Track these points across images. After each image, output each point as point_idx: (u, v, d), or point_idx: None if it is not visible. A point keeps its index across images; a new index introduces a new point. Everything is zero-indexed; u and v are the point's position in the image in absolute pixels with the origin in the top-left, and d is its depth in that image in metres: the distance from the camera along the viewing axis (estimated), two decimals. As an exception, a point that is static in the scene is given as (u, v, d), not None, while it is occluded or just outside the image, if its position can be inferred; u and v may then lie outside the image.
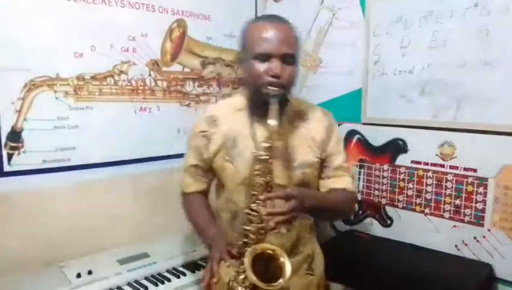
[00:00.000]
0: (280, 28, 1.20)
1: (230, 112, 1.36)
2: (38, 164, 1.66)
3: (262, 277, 1.07)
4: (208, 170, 1.41)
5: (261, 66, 1.19)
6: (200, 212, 1.41)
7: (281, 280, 1.06)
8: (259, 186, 1.15)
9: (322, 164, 1.36)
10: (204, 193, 1.47)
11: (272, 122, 1.14)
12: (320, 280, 1.47)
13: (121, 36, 1.83)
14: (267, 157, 1.15)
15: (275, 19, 1.23)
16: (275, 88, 1.17)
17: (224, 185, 1.36)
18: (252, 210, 1.14)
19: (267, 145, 1.15)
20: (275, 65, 1.17)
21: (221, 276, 1.18)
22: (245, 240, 1.15)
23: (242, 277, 1.10)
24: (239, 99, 1.38)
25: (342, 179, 1.35)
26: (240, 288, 1.11)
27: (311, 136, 1.32)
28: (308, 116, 1.35)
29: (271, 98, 1.17)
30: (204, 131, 1.37)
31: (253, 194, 1.15)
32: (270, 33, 1.18)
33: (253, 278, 1.04)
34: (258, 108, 1.26)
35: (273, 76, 1.17)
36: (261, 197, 1.12)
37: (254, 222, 1.14)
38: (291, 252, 1.35)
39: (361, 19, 2.00)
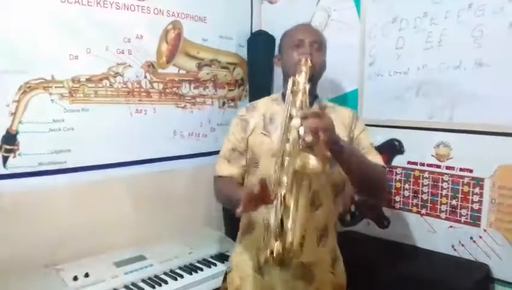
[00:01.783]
0: (309, 26, 1.56)
1: (267, 101, 1.54)
2: (33, 167, 1.65)
3: None
4: (245, 150, 1.48)
5: (295, 53, 1.41)
6: (231, 186, 1.42)
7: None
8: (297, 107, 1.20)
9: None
10: (238, 179, 1.49)
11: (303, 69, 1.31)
12: (340, 286, 1.49)
13: (117, 38, 1.83)
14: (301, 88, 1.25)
15: (306, 23, 1.57)
16: (307, 55, 1.37)
17: (259, 160, 1.43)
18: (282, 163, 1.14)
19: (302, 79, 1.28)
20: (306, 47, 1.40)
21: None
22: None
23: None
24: (275, 94, 1.58)
25: (373, 155, 1.42)
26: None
27: (341, 121, 1.42)
28: (336, 108, 1.51)
29: (303, 62, 1.33)
30: (244, 115, 1.52)
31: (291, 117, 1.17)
32: (303, 28, 1.50)
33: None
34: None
35: (303, 53, 1.38)
36: (299, 113, 1.15)
37: (291, 140, 1.13)
38: (321, 237, 1.41)
39: (357, 20, 2.00)
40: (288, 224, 1.04)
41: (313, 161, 1.04)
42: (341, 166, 1.27)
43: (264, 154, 1.41)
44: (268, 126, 1.44)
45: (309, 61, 1.35)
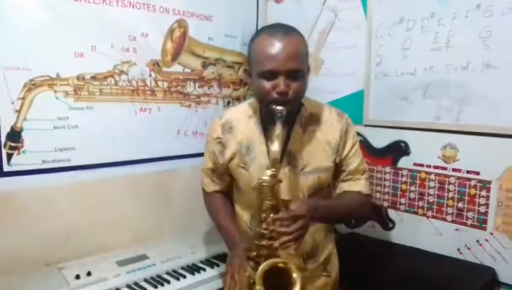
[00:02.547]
0: (285, 42, 1.16)
1: (243, 118, 1.37)
2: (38, 164, 1.65)
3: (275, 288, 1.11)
4: (224, 172, 1.45)
5: (267, 84, 1.18)
6: (220, 213, 1.46)
7: None
8: (267, 209, 1.17)
9: (337, 167, 1.37)
10: (224, 192, 1.51)
11: (274, 148, 1.15)
12: (335, 282, 1.50)
13: (122, 36, 1.83)
14: (271, 184, 1.16)
15: (281, 32, 1.18)
16: (281, 107, 1.17)
17: (241, 188, 1.40)
18: (264, 229, 1.17)
19: (270, 173, 1.15)
20: (280, 82, 1.16)
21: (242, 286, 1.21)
22: (259, 253, 1.18)
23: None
24: (251, 105, 1.39)
25: (357, 183, 1.37)
26: None
27: (326, 141, 1.33)
28: (323, 119, 1.36)
29: (277, 119, 1.17)
30: (220, 138, 1.40)
31: (263, 216, 1.17)
32: (274, 49, 1.15)
33: None
34: (269, 113, 1.24)
35: (279, 93, 1.16)
36: (269, 219, 1.15)
37: (265, 237, 1.16)
38: (308, 258, 1.39)
39: (364, 20, 1.99)
40: None
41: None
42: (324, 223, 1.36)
43: (244, 186, 1.38)
44: (245, 157, 1.34)
45: (284, 110, 1.18)
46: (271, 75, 1.17)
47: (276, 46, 1.15)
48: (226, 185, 1.50)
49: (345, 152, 1.36)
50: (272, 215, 1.15)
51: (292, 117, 1.29)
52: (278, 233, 1.12)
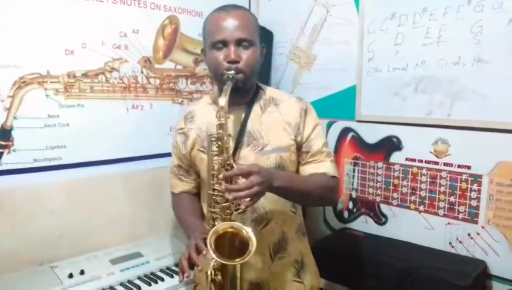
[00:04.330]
0: (233, 14, 1.23)
1: (204, 107, 1.41)
2: (29, 163, 1.63)
3: (232, 256, 1.06)
4: (190, 167, 1.43)
5: (218, 55, 1.23)
6: (185, 210, 1.43)
7: (247, 253, 1.05)
8: (218, 165, 1.15)
9: (300, 150, 1.34)
10: (193, 192, 1.48)
11: (222, 101, 1.14)
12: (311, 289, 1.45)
13: (112, 33, 1.81)
14: (220, 135, 1.15)
15: (229, 7, 1.26)
16: (232, 72, 1.20)
17: (203, 178, 1.37)
18: (214, 190, 1.15)
19: (217, 122, 1.15)
20: (230, 51, 1.21)
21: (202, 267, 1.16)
22: (213, 223, 1.15)
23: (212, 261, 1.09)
24: (212, 95, 1.43)
25: (321, 164, 1.32)
26: (209, 271, 1.10)
27: (286, 121, 1.33)
28: (282, 103, 1.36)
29: (227, 81, 1.19)
30: (182, 128, 1.42)
31: (213, 174, 1.15)
32: (223, 21, 1.22)
33: (215, 256, 1.04)
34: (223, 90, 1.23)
35: (229, 62, 1.21)
36: (220, 176, 1.11)
37: (219, 203, 1.14)
38: (276, 251, 1.35)
39: (356, 15, 1.99)
40: None
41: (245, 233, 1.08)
42: (285, 198, 1.27)
43: (205, 172, 1.31)
44: (205, 141, 1.32)
45: (232, 84, 1.19)
46: (222, 45, 1.22)
47: (225, 18, 1.23)
48: (195, 186, 1.47)
49: (307, 132, 1.33)
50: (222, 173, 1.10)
51: (246, 91, 1.30)
52: (226, 190, 1.06)
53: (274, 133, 1.31)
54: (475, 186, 1.68)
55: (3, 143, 1.57)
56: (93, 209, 1.80)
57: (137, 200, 1.96)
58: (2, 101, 1.55)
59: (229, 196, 1.05)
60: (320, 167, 1.32)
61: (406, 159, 1.88)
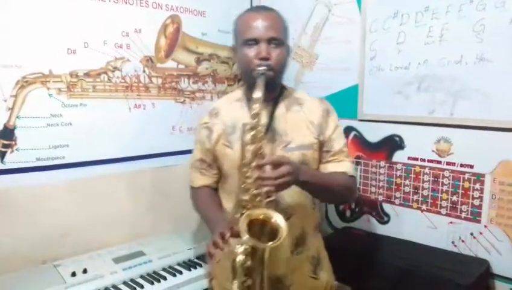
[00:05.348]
0: (265, 15, 1.30)
1: (230, 103, 1.45)
2: (31, 162, 1.64)
3: (263, 241, 1.07)
4: (213, 161, 1.46)
5: (250, 51, 1.28)
6: (207, 204, 1.45)
7: (278, 238, 1.06)
8: (250, 153, 1.17)
9: (321, 149, 1.39)
10: (213, 187, 1.50)
11: (257, 93, 1.19)
12: (326, 286, 1.47)
13: (115, 32, 1.81)
14: (255, 124, 1.18)
15: (261, 8, 1.36)
16: (263, 68, 1.25)
17: (226, 173, 1.41)
18: (246, 178, 1.17)
19: (254, 112, 1.18)
20: (261, 48, 1.26)
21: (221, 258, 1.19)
22: (243, 211, 1.16)
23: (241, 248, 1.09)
24: (238, 92, 1.47)
25: (341, 164, 1.38)
26: (239, 256, 1.08)
27: (309, 120, 1.37)
28: (305, 103, 1.41)
29: (259, 77, 1.23)
30: (207, 123, 1.46)
31: (245, 163, 1.18)
32: (256, 20, 1.29)
33: (247, 238, 1.04)
34: (253, 87, 1.27)
35: (261, 58, 1.26)
36: (253, 164, 1.14)
37: (249, 191, 1.16)
38: (295, 246, 1.39)
39: (358, 14, 1.98)
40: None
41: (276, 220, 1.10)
42: (308, 192, 1.31)
43: (228, 167, 1.39)
44: (231, 136, 1.38)
45: (264, 82, 1.23)
46: (253, 42, 1.28)
47: (256, 17, 1.30)
48: (215, 181, 1.50)
49: (328, 132, 1.38)
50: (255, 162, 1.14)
51: (273, 88, 1.34)
52: (258, 178, 1.11)
53: (298, 131, 1.35)
54: (478, 186, 1.68)
55: (6, 142, 1.57)
56: (96, 208, 1.81)
57: (140, 199, 1.97)
58: (5, 101, 1.55)
59: (261, 183, 1.10)
60: (340, 166, 1.37)
61: (409, 158, 1.88)
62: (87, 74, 1.75)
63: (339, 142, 1.39)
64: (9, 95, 1.56)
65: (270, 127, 1.33)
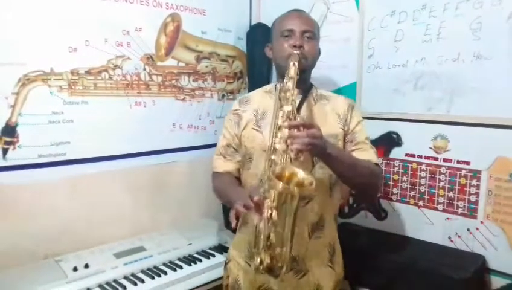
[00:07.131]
0: (301, 13, 1.46)
1: (261, 93, 1.53)
2: (33, 159, 1.66)
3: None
4: (238, 146, 1.49)
5: (284, 41, 1.38)
6: (229, 185, 1.46)
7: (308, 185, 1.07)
8: (283, 114, 1.20)
9: (346, 140, 1.43)
10: (235, 174, 1.52)
11: (291, 71, 1.26)
12: (338, 279, 1.50)
13: (115, 30, 1.83)
14: (286, 87, 1.23)
15: (297, 10, 1.48)
16: (297, 51, 1.33)
17: (252, 156, 1.43)
18: (276, 138, 1.20)
19: (288, 77, 1.25)
20: (296, 37, 1.37)
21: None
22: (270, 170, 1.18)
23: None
24: (269, 86, 1.55)
25: (365, 153, 1.41)
26: (265, 212, 1.08)
27: (336, 112, 1.44)
28: (331, 98, 1.49)
29: (292, 60, 1.29)
30: (237, 110, 1.51)
31: (276, 123, 1.21)
32: (292, 15, 1.44)
33: (277, 182, 1.05)
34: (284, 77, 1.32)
35: (295, 46, 1.35)
36: (285, 123, 1.17)
37: (278, 151, 1.18)
38: (313, 230, 1.41)
39: (356, 12, 2.00)
40: (275, 240, 1.09)
41: (301, 176, 1.10)
42: (330, 169, 1.31)
43: (256, 150, 1.41)
44: (260, 121, 1.43)
45: (297, 63, 1.29)
46: (289, 34, 1.38)
47: (293, 14, 1.44)
48: (237, 167, 1.51)
49: (352, 125, 1.44)
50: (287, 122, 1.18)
51: (305, 79, 1.42)
52: (290, 136, 1.13)
53: (325, 121, 1.39)
54: (474, 182, 1.70)
55: (8, 139, 1.59)
56: (97, 204, 1.83)
57: (140, 196, 1.99)
58: (7, 98, 1.57)
59: (292, 141, 1.13)
60: (365, 154, 1.40)
61: (406, 154, 1.89)
62: (88, 72, 1.76)
63: (361, 134, 1.44)
64: (11, 93, 1.58)
65: (297, 114, 1.34)
